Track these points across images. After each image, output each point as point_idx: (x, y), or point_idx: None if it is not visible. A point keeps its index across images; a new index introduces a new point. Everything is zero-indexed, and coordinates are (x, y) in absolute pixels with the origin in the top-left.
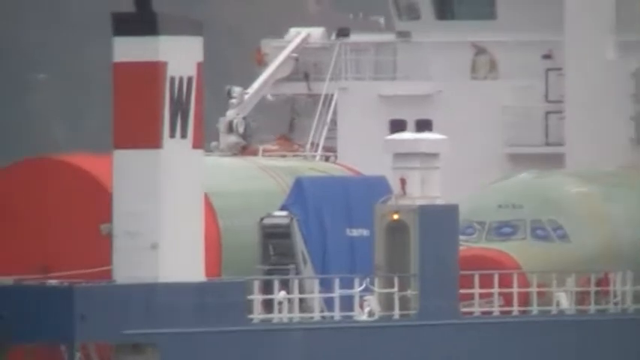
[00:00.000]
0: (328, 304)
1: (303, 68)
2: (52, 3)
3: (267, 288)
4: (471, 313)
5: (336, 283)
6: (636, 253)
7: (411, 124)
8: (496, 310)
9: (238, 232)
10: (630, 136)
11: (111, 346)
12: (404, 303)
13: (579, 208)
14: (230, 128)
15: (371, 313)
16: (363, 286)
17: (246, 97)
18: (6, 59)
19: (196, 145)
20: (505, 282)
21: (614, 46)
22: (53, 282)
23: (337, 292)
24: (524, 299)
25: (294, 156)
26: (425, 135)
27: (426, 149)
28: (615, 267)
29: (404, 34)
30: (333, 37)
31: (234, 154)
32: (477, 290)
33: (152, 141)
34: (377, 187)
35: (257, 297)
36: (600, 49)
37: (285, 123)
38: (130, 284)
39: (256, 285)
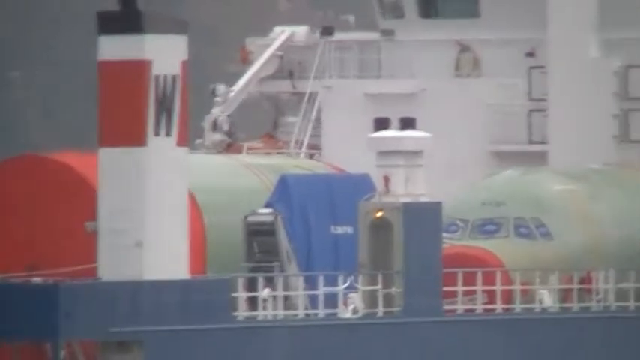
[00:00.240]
0: (312, 301)
1: (288, 66)
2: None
3: (251, 285)
4: (454, 310)
5: (321, 280)
6: (620, 251)
7: (395, 122)
8: (479, 307)
9: (223, 229)
10: (613, 133)
11: (96, 343)
12: (388, 300)
13: (562, 206)
14: (215, 126)
15: (355, 311)
16: (347, 283)
17: (231, 95)
18: None
19: (181, 143)
20: (488, 280)
21: (597, 45)
22: (38, 280)
23: (321, 290)
24: (508, 297)
25: (278, 154)
26: (408, 133)
27: (410, 147)
28: (599, 265)
29: (388, 33)
30: (318, 35)
31: (219, 152)
32: (460, 288)
33: (137, 139)
34: (361, 184)
35: (241, 294)
36: (583, 48)
37: (270, 121)
38: (115, 282)
39: (240, 282)
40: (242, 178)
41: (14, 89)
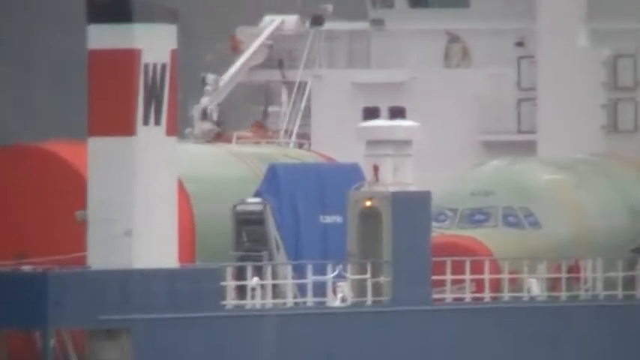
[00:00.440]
0: (301, 290)
1: (278, 55)
2: None
3: (240, 274)
4: (443, 299)
5: (309, 269)
6: (607, 240)
7: (384, 112)
8: (468, 296)
9: (212, 218)
10: (602, 123)
11: (85, 332)
12: (377, 289)
13: (551, 195)
14: (204, 115)
15: (344, 300)
16: (336, 272)
17: (221, 84)
18: None
19: (170, 132)
20: (477, 269)
21: (586, 34)
22: (27, 268)
23: (310, 279)
24: (496, 286)
25: (267, 143)
26: (397, 122)
27: (399, 136)
28: (587, 254)
29: (378, 22)
30: (308, 24)
31: (209, 141)
32: (449, 277)
33: (126, 128)
34: (350, 174)
35: (230, 283)
36: (572, 37)
37: (259, 110)
38: (104, 270)
39: (229, 271)
40: (231, 167)
41: None
